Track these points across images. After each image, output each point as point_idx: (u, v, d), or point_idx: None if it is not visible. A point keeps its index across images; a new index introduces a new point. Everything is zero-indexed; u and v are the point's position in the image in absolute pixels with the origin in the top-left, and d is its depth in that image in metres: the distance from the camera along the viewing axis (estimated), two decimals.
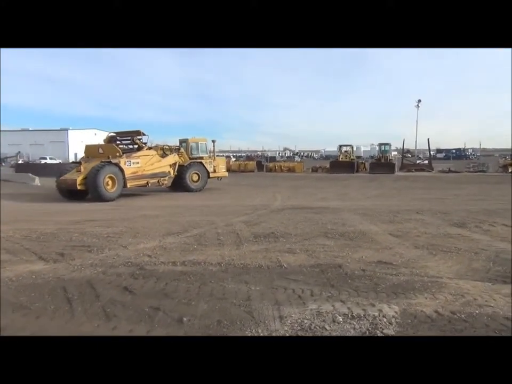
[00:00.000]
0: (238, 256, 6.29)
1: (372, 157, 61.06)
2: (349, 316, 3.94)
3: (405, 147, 42.79)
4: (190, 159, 20.13)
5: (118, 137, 18.85)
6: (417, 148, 55.73)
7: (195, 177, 19.68)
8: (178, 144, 20.89)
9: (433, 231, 8.25)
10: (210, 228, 8.77)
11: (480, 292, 4.60)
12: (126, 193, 17.33)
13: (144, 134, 18.31)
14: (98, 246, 7.03)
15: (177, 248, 6.84)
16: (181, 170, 19.25)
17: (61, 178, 16.18)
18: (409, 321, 3.83)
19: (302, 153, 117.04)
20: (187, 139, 20.96)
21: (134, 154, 17.47)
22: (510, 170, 33.04)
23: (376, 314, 3.96)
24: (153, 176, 17.74)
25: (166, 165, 18.57)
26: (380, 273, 5.34)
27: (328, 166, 37.93)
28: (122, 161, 16.47)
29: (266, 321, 3.85)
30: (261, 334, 3.61)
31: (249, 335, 3.61)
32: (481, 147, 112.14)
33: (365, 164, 39.93)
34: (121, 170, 16.26)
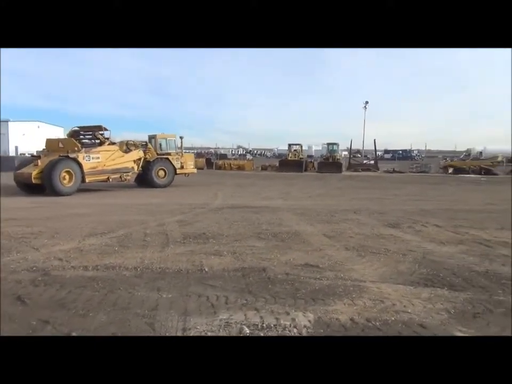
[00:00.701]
0: (159, 259, 5.89)
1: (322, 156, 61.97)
2: (259, 326, 3.66)
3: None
4: (158, 155, 19.85)
5: (81, 132, 18.44)
6: (364, 148, 57.17)
7: (161, 173, 19.45)
8: (147, 140, 20.65)
9: (367, 231, 8.20)
10: (139, 228, 8.30)
11: (400, 296, 4.47)
12: (84, 188, 16.60)
13: (106, 129, 18.06)
14: (6, 248, 6.40)
15: (95, 251, 6.35)
16: (147, 166, 19.08)
17: (17, 171, 15.93)
18: (322, 330, 3.61)
19: (255, 152, 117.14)
20: (155, 135, 20.69)
21: (94, 149, 17.19)
22: (449, 171, 34.40)
23: (288, 324, 3.71)
24: (115, 171, 17.50)
25: (129, 161, 18.34)
26: (303, 277, 5.13)
27: (277, 164, 38.04)
28: (81, 156, 16.26)
29: (167, 334, 3.50)
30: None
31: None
32: (427, 148, 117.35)
33: (313, 163, 40.39)
34: (80, 165, 16.02)
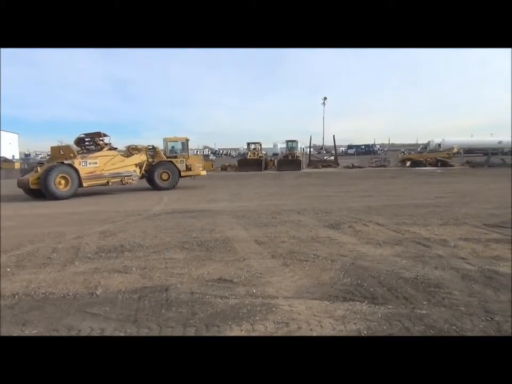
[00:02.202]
0: (51, 281, 5.10)
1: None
2: None
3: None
4: (168, 158, 20.20)
5: (86, 139, 18.98)
6: (327, 144, 57.26)
7: (165, 176, 19.48)
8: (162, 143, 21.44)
9: (303, 234, 7.62)
10: (51, 243, 7.43)
11: (311, 315, 3.87)
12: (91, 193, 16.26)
13: (105, 135, 18.60)
14: None
15: None
16: (151, 170, 19.42)
17: (20, 178, 17.41)
18: None
19: (220, 152, 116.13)
20: (165, 138, 21.39)
21: (91, 155, 17.78)
22: (407, 164, 34.66)
23: None
24: (115, 175, 17.98)
25: (130, 165, 18.69)
26: (209, 296, 4.46)
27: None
28: (77, 162, 16.91)
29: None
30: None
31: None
32: (390, 143, 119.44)
33: (274, 161, 39.90)
34: (76, 170, 16.68)
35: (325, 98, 47.16)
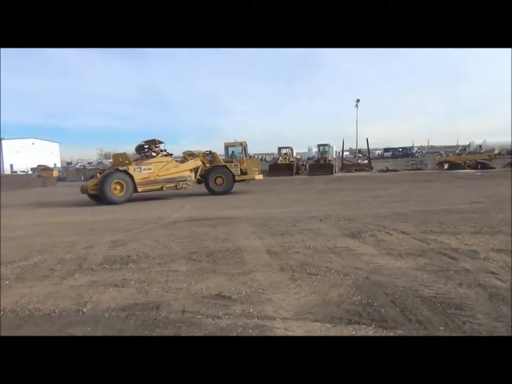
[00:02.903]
0: (43, 296, 4.87)
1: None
2: None
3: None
4: (226, 162, 20.66)
5: (145, 146, 19.85)
6: (360, 148, 56.07)
7: (219, 181, 19.68)
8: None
9: (319, 244, 7.14)
10: (60, 253, 7.27)
11: None
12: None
13: (160, 142, 19.39)
14: None
15: None
16: (206, 174, 19.74)
17: (83, 184, 19.09)
18: None
19: (256, 157, 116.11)
20: (225, 143, 22.09)
21: (145, 161, 18.61)
22: (445, 167, 33.26)
23: None
24: (169, 180, 18.55)
25: (185, 170, 19.16)
26: (201, 315, 4.08)
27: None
28: (132, 168, 17.78)
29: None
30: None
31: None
32: (430, 144, 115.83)
33: (306, 165, 39.26)
34: (131, 176, 17.52)
35: (358, 100, 45.99)
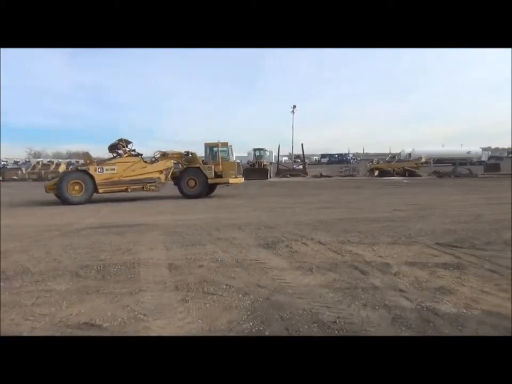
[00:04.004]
0: None
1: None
2: None
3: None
4: (203, 163, 19.15)
5: (117, 145, 18.81)
6: (296, 153, 56.70)
7: (191, 183, 18.46)
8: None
9: (229, 256, 6.54)
10: None
11: None
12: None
13: (128, 142, 18.61)
14: None
15: None
16: (179, 176, 18.70)
17: (46, 183, 18.75)
18: None
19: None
20: (205, 143, 20.05)
21: (108, 161, 18.03)
22: (375, 174, 34.15)
23: None
24: (135, 182, 17.78)
25: (154, 171, 18.21)
26: None
27: None
28: (92, 168, 17.21)
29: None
30: None
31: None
32: (365, 152, 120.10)
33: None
34: (91, 176, 16.99)
35: (294, 106, 46.29)
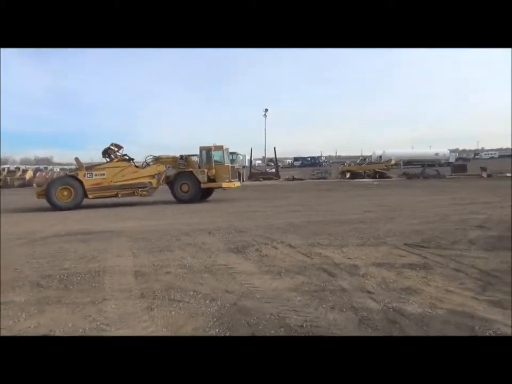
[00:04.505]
0: None
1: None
2: None
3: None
4: (200, 168, 18.45)
5: (110, 150, 18.38)
6: (269, 156, 56.86)
7: (185, 188, 18.04)
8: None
9: (198, 262, 6.44)
10: None
11: None
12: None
13: (117, 146, 18.25)
14: None
15: None
16: (172, 181, 18.26)
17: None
18: None
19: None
20: (201, 147, 19.07)
21: (97, 166, 17.80)
22: (347, 176, 34.55)
23: None
24: (125, 187, 17.51)
25: (144, 176, 17.89)
26: None
27: None
28: (81, 174, 17.10)
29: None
30: None
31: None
32: (337, 155, 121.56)
33: None
34: (80, 182, 16.87)
35: (266, 110, 46.66)
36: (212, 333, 3.71)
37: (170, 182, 18.38)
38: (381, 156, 56.33)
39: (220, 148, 18.88)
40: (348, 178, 33.87)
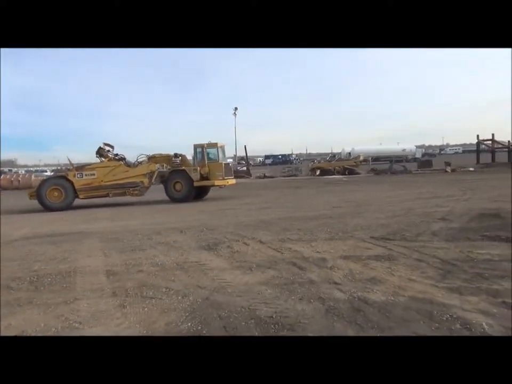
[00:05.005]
0: None
1: None
2: None
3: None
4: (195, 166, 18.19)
5: (105, 149, 18.35)
6: (240, 155, 56.96)
7: (178, 187, 17.63)
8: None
9: (169, 260, 6.50)
10: None
11: None
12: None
13: (108, 145, 18.27)
14: None
15: None
16: (166, 180, 17.95)
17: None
18: None
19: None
20: (195, 145, 18.71)
21: (87, 166, 17.66)
22: (317, 173, 35.01)
23: None
24: (116, 186, 17.31)
25: (136, 175, 17.62)
26: None
27: None
28: (71, 174, 17.08)
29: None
30: None
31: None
32: (308, 152, 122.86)
33: None
34: (70, 182, 16.80)
35: (236, 108, 46.47)
36: (185, 327, 3.82)
37: (164, 181, 18.06)
38: (350, 153, 57.18)
39: (214, 145, 18.45)
40: (318, 175, 34.31)
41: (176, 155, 18.55)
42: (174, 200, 17.50)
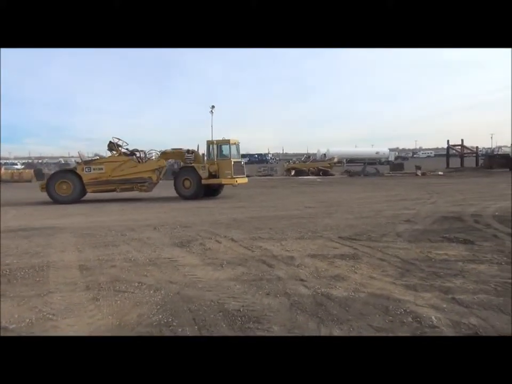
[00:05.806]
0: None
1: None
2: None
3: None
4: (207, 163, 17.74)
5: (115, 143, 18.06)
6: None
7: (187, 184, 17.31)
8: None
9: (142, 256, 6.64)
10: None
11: None
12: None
13: (118, 139, 18.03)
14: None
15: None
16: (176, 176, 18.09)
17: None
18: None
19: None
20: (208, 141, 18.32)
21: (96, 161, 17.79)
22: (292, 173, 35.44)
23: None
24: (124, 181, 17.23)
25: (144, 171, 17.46)
26: None
27: None
28: (80, 168, 17.20)
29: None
30: None
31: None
32: (284, 152, 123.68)
33: None
34: (79, 176, 16.93)
35: (213, 106, 46.27)
36: (156, 319, 4.00)
37: (175, 178, 18.06)
38: (325, 154, 57.95)
39: (226, 141, 17.94)
40: (292, 176, 34.74)
41: (188, 151, 18.28)
42: (183, 197, 17.13)
